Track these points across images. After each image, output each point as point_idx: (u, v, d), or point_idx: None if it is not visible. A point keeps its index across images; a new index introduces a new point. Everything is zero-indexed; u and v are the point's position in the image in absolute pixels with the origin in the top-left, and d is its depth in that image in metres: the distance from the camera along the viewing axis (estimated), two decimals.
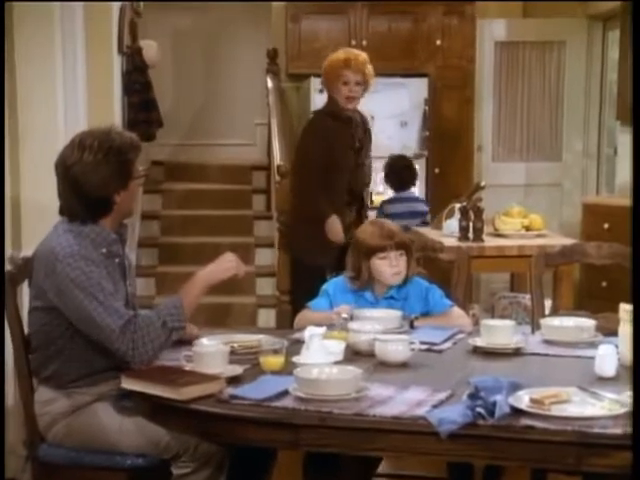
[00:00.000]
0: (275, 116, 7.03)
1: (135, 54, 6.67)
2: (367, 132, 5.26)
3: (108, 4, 5.63)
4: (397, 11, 7.63)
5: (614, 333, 2.88)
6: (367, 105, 7.28)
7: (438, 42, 7.60)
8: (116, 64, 6.02)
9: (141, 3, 7.09)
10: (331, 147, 4.95)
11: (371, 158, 5.30)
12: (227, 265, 2.92)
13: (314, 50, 7.55)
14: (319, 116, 5.23)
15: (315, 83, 7.37)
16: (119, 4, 6.18)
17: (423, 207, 6.39)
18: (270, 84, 7.44)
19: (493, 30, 7.86)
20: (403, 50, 7.59)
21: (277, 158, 6.38)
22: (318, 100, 7.30)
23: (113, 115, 5.69)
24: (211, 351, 2.71)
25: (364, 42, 7.50)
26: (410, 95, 7.50)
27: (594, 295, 5.89)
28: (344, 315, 3.11)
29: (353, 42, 7.49)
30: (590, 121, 7.94)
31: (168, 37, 8.53)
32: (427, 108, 7.52)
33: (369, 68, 5.03)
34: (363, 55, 5.08)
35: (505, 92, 8.02)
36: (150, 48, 6.82)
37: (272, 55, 7.65)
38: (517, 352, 2.93)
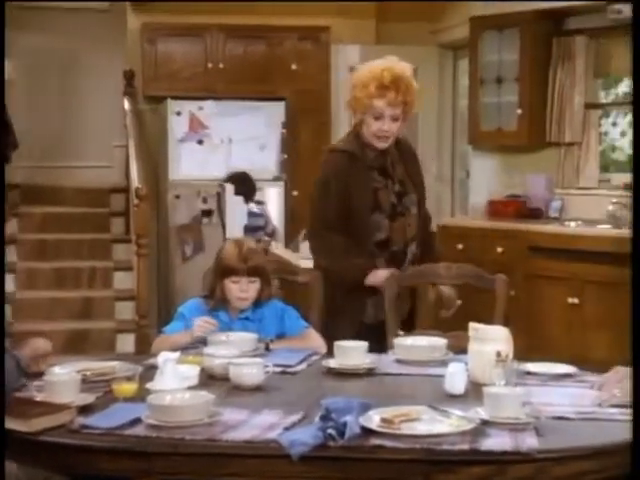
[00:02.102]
0: (133, 138, 6.97)
1: None
2: (412, 168, 3.91)
3: None
4: (253, 35, 7.69)
5: (465, 351, 2.96)
6: (224, 129, 7.40)
7: (294, 66, 7.69)
8: None
9: None
10: (348, 205, 3.71)
11: (424, 203, 3.95)
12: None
13: (171, 72, 7.54)
14: (333, 157, 3.84)
15: (172, 105, 7.35)
16: None
17: (261, 222, 6.57)
18: (127, 106, 7.36)
19: (347, 56, 7.99)
20: (260, 74, 7.65)
21: (135, 181, 6.31)
22: (175, 123, 7.30)
23: None
24: (62, 380, 2.66)
25: (221, 65, 7.54)
26: (268, 119, 7.56)
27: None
28: (198, 334, 3.13)
29: (210, 65, 7.52)
30: (443, 146, 8.17)
31: (24, 56, 8.33)
32: (285, 131, 7.59)
33: (412, 90, 3.70)
34: (406, 74, 3.71)
35: None
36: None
37: (129, 77, 7.59)
38: (370, 372, 2.98)
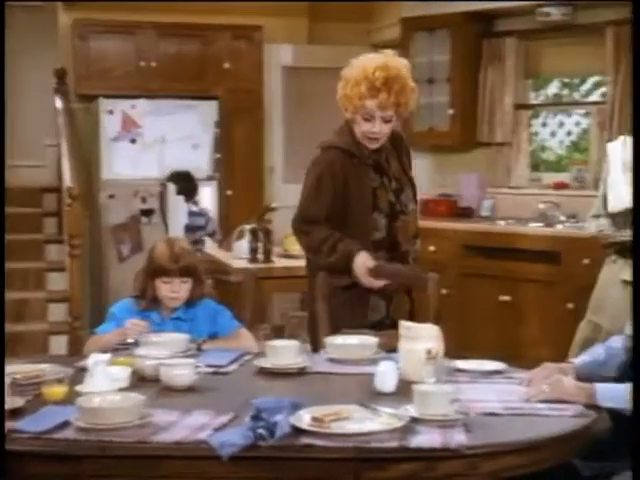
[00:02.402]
0: (65, 137, 6.88)
1: None
2: (406, 161, 3.79)
3: None
4: (186, 34, 7.65)
5: (396, 350, 2.98)
6: (157, 128, 7.35)
7: (227, 65, 7.67)
8: None
9: None
10: (345, 203, 3.59)
11: (415, 200, 3.83)
12: None
13: (103, 70, 7.47)
14: (329, 154, 3.68)
15: (104, 104, 7.28)
16: None
17: (202, 221, 6.58)
18: (59, 104, 7.27)
19: (280, 55, 8.02)
20: (193, 72, 7.62)
21: (68, 180, 6.24)
22: (107, 121, 7.23)
23: None
24: None
25: (153, 63, 7.49)
26: (201, 117, 7.53)
27: None
28: (130, 340, 3.11)
29: (142, 63, 7.46)
30: None
31: None
32: (218, 131, 7.56)
33: (406, 91, 3.55)
34: (401, 74, 3.53)
35: (294, 115, 8.18)
36: None
37: (60, 74, 7.48)
38: (302, 371, 2.98)
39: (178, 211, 6.85)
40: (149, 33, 7.59)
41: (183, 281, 3.38)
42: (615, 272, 4.10)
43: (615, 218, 4.14)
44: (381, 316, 3.67)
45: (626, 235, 3.92)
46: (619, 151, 4.18)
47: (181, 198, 6.91)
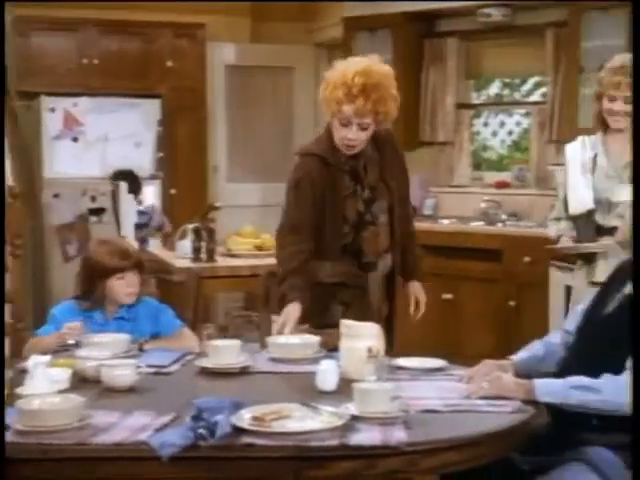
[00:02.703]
0: (7, 136, 6.79)
1: None
2: (390, 165, 3.70)
3: None
4: (128, 31, 7.59)
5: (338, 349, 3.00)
6: (99, 126, 7.29)
7: (169, 63, 7.62)
8: None
9: None
10: (320, 211, 3.55)
11: (406, 201, 3.82)
12: None
13: (44, 67, 7.38)
14: (306, 161, 3.62)
15: (46, 102, 7.20)
16: None
17: (146, 219, 6.55)
18: None
19: (223, 54, 8.00)
20: (135, 70, 7.55)
21: (9, 179, 6.16)
22: (49, 119, 7.15)
23: None
24: None
25: (96, 61, 7.42)
26: (143, 116, 7.47)
27: None
28: (71, 341, 3.10)
29: (85, 60, 7.39)
30: None
31: None
32: (161, 129, 7.52)
33: (385, 100, 3.44)
34: (383, 83, 3.44)
35: (238, 114, 8.16)
36: None
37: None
38: (244, 371, 2.99)
39: (130, 210, 6.79)
40: (91, 30, 7.50)
41: (136, 275, 3.39)
42: (583, 277, 4.09)
43: (576, 221, 4.09)
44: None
45: (591, 247, 3.93)
46: (578, 152, 4.16)
47: (132, 197, 6.87)
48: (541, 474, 2.67)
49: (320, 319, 3.53)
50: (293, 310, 3.37)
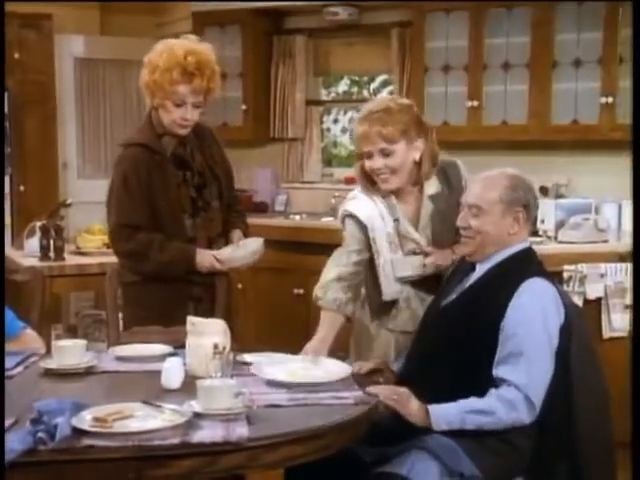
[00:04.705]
0: None
1: None
2: (213, 154, 3.76)
3: None
4: None
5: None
6: None
7: (16, 55, 7.42)
8: None
9: None
10: (152, 203, 3.54)
11: (231, 190, 3.88)
12: None
13: None
14: (130, 152, 3.58)
15: None
16: None
17: None
18: None
19: (72, 46, 7.84)
20: None
21: None
22: None
23: None
24: None
25: None
26: None
27: None
28: None
29: None
30: None
31: None
32: (8, 124, 7.32)
33: (216, 76, 3.55)
34: (211, 58, 3.54)
35: (88, 109, 8.03)
36: None
37: None
38: (89, 371, 2.97)
39: None
40: None
41: None
42: None
43: None
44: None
45: None
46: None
47: None
48: (383, 464, 2.74)
49: (173, 318, 3.50)
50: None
